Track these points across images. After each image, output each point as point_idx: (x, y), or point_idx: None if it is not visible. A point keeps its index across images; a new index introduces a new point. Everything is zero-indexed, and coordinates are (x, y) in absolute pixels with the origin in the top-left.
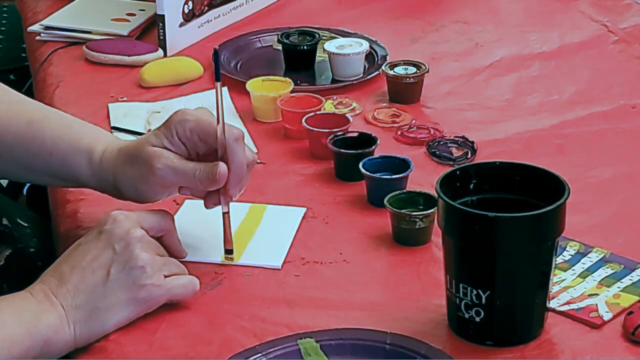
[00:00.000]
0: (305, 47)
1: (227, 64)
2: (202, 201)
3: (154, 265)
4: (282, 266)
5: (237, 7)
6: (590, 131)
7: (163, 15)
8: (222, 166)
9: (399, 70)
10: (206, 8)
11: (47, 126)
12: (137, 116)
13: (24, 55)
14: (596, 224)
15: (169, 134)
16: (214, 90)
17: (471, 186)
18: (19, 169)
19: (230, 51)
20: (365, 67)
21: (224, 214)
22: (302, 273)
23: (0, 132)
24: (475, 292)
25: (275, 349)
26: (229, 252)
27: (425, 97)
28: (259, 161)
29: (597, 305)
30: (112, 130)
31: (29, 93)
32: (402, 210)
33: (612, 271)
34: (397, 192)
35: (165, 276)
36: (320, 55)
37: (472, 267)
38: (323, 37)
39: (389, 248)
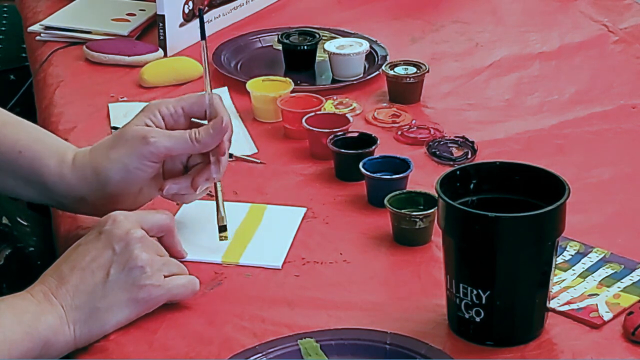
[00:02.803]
0: (305, 47)
1: (227, 64)
2: (201, 201)
3: (153, 265)
4: (282, 266)
5: (237, 7)
6: (590, 131)
7: (163, 15)
8: (224, 116)
9: (399, 70)
10: (206, 8)
11: (22, 129)
12: None
13: (24, 55)
14: (596, 224)
15: (151, 115)
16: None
17: (471, 186)
18: None
19: (231, 51)
20: (365, 67)
21: (215, 184)
22: (302, 273)
23: None
24: (475, 292)
25: (275, 349)
26: (222, 229)
27: (426, 97)
28: (258, 161)
29: (597, 305)
30: (112, 130)
31: (29, 93)
32: (402, 210)
33: (612, 271)
34: (397, 192)
35: (165, 276)
36: (320, 55)
37: (472, 267)
38: (323, 37)
39: (389, 248)
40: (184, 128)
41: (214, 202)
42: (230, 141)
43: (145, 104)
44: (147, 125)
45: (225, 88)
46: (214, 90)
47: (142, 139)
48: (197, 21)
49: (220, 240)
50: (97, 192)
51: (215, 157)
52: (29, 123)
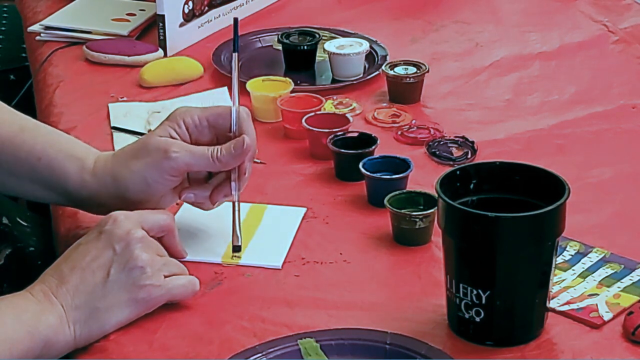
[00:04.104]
0: (305, 47)
1: (228, 64)
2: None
3: (154, 265)
4: (282, 266)
5: (237, 7)
6: (590, 131)
7: (163, 15)
8: (246, 137)
9: (399, 70)
10: (206, 8)
11: (39, 134)
12: (137, 116)
13: (24, 55)
14: (596, 224)
15: (175, 125)
16: (214, 90)
17: (471, 186)
18: (1, 174)
19: (231, 51)
20: (365, 67)
21: (234, 203)
22: (302, 273)
23: None
24: (475, 292)
25: (275, 349)
26: (236, 249)
27: (426, 97)
28: (259, 161)
29: (597, 305)
30: (112, 130)
31: (29, 93)
32: (402, 210)
33: (612, 271)
34: (397, 192)
35: (165, 276)
36: (320, 55)
37: (472, 267)
38: (323, 37)
39: (389, 248)
40: (209, 139)
41: None
42: (252, 161)
43: (145, 104)
44: (171, 137)
45: (225, 88)
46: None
47: (164, 153)
48: (196, 21)
49: (232, 259)
50: (117, 199)
51: (235, 176)
52: (47, 127)
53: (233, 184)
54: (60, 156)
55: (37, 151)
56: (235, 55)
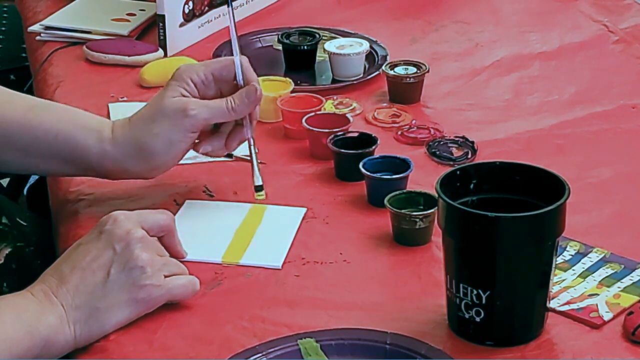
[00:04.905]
0: (305, 47)
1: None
2: (202, 201)
3: (154, 265)
4: (282, 266)
5: (237, 7)
6: (590, 131)
7: (163, 15)
8: (255, 84)
9: (399, 70)
10: (206, 8)
11: (52, 111)
12: None
13: (24, 55)
14: (596, 224)
15: (183, 83)
16: None
17: (471, 186)
18: (16, 156)
19: (231, 51)
20: (365, 67)
21: (250, 147)
22: (302, 273)
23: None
24: (475, 292)
25: (275, 349)
26: (259, 188)
27: (426, 97)
28: (259, 161)
29: (597, 305)
30: None
31: (29, 93)
32: (402, 210)
33: (612, 271)
34: (397, 192)
35: (165, 276)
36: (320, 55)
37: (472, 267)
38: (323, 37)
39: (389, 248)
40: (214, 93)
41: (214, 203)
42: (259, 105)
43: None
44: (183, 96)
45: None
46: None
47: (183, 112)
48: (196, 21)
49: (257, 198)
50: (140, 163)
51: (247, 122)
52: (58, 104)
53: (246, 129)
54: (77, 130)
55: (53, 128)
56: (231, 4)
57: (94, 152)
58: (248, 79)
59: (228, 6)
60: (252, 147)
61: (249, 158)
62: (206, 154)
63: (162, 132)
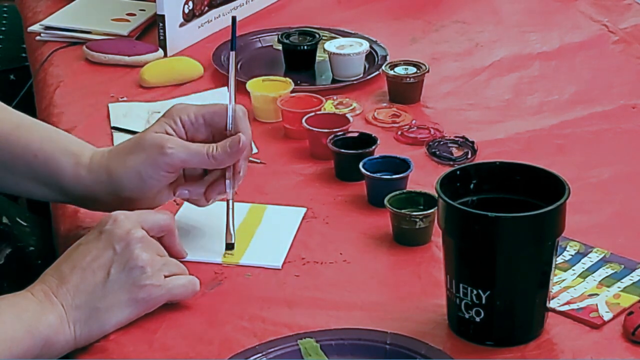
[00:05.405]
0: (305, 47)
1: (227, 64)
2: None
3: (154, 265)
4: (282, 266)
5: (237, 7)
6: (590, 131)
7: (163, 15)
8: (242, 136)
9: (399, 70)
10: (206, 8)
11: (36, 131)
12: (137, 116)
13: (24, 55)
14: (596, 224)
15: (172, 121)
16: (213, 90)
17: (471, 186)
18: None
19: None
20: (365, 67)
21: (228, 201)
22: (302, 273)
23: None
24: (475, 292)
25: (275, 349)
26: (229, 247)
27: (426, 97)
28: (258, 161)
29: (597, 305)
30: (112, 130)
31: (29, 93)
32: (402, 210)
33: (612, 271)
34: (397, 192)
35: (165, 276)
36: (320, 55)
37: (472, 267)
38: (323, 37)
39: (389, 248)
40: (205, 137)
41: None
42: (247, 160)
43: (145, 104)
44: (167, 133)
45: (225, 88)
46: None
47: (159, 149)
48: (196, 21)
49: (225, 257)
50: (112, 195)
51: (230, 174)
52: (43, 124)
53: (227, 182)
54: (56, 152)
55: (33, 148)
56: (232, 53)
57: (68, 176)
58: (238, 130)
59: (231, 49)
60: (230, 202)
61: (257, 160)
62: (184, 200)
63: (135, 166)
